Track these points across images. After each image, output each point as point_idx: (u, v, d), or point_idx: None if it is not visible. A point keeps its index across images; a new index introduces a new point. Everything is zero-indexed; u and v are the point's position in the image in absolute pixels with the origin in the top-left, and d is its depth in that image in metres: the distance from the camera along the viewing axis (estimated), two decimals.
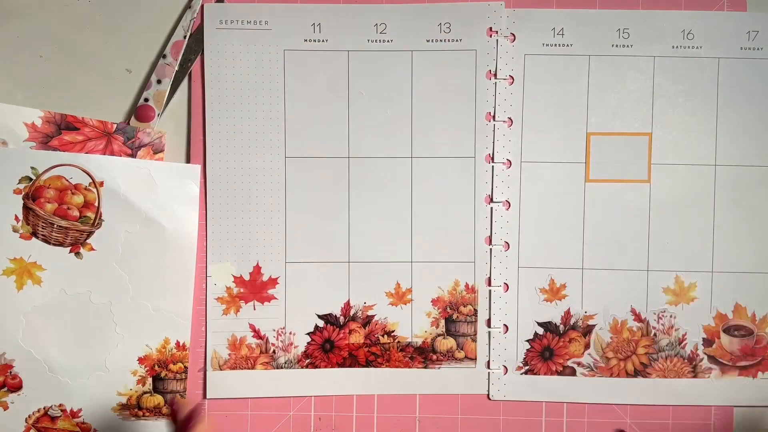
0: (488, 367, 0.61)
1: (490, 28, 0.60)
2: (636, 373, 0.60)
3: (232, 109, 0.60)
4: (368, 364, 0.61)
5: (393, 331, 0.61)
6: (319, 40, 0.60)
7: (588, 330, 0.61)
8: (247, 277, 0.61)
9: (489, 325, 0.61)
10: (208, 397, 0.61)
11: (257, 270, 0.61)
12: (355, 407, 0.61)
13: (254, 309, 0.61)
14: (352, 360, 0.61)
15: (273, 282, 0.61)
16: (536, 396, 0.61)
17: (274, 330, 0.61)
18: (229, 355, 0.61)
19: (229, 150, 0.60)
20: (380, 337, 0.61)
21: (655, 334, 0.60)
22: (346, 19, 0.60)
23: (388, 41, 0.60)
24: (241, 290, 0.61)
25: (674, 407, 0.60)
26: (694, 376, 0.60)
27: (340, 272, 0.61)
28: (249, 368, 0.61)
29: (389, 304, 0.61)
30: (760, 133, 0.60)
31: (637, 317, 0.60)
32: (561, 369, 0.61)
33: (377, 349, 0.61)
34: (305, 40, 0.60)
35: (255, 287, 0.61)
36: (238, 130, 0.60)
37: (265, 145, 0.60)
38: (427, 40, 0.60)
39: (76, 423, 0.60)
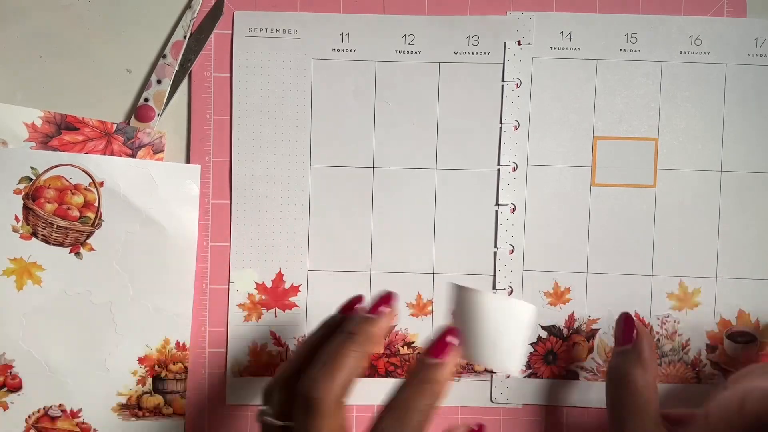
0: (491, 370, 0.61)
1: (519, 42, 0.60)
2: None
3: (258, 117, 0.60)
4: (388, 374, 0.61)
5: (413, 343, 0.61)
6: (347, 50, 0.60)
7: (592, 334, 0.61)
8: (269, 285, 0.61)
9: None
10: (228, 402, 0.61)
11: (279, 277, 0.61)
12: (354, 408, 0.61)
13: (276, 316, 0.61)
14: (371, 370, 0.61)
15: (295, 290, 0.61)
16: (539, 399, 0.61)
17: (295, 338, 0.61)
18: (249, 361, 0.61)
19: (254, 157, 0.60)
20: (400, 348, 0.61)
21: (658, 340, 0.60)
22: (375, 29, 0.60)
23: (416, 52, 0.60)
24: (263, 297, 0.61)
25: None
26: (698, 382, 0.60)
27: (361, 281, 0.61)
28: (269, 375, 0.61)
29: (410, 315, 0.61)
30: (766, 139, 0.60)
31: (641, 322, 0.60)
32: (564, 373, 0.61)
33: (397, 359, 0.61)
34: (333, 50, 0.60)
35: (277, 294, 0.61)
36: (264, 137, 0.60)
37: (290, 153, 0.60)
38: (455, 53, 0.60)
39: (76, 423, 0.59)
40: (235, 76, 0.60)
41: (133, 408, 0.60)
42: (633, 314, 0.60)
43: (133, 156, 0.59)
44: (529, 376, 0.61)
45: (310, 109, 0.60)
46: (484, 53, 0.60)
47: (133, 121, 0.59)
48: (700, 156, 0.60)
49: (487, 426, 0.51)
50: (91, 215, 0.59)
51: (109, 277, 0.59)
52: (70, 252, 0.59)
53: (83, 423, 0.59)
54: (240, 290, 0.61)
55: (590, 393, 0.61)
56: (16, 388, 0.59)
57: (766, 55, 0.59)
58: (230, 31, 0.60)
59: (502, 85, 0.60)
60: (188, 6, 0.60)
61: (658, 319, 0.60)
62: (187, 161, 0.60)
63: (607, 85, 0.60)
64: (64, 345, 0.59)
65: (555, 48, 0.60)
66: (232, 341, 0.61)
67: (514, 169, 0.60)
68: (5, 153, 0.58)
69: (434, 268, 0.61)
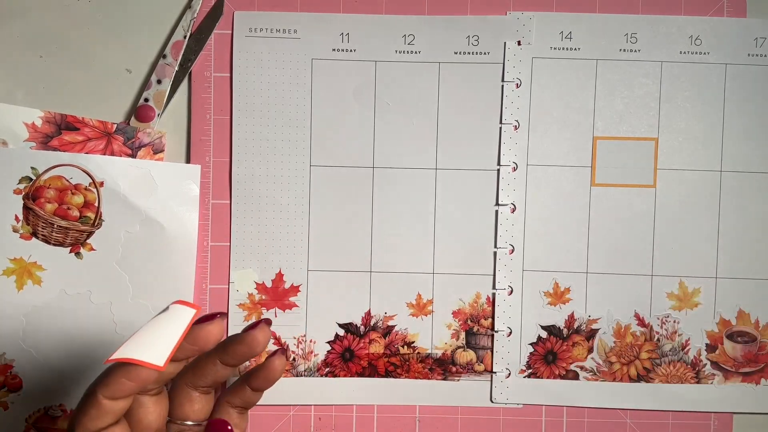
0: (491, 370, 0.61)
1: (519, 42, 0.60)
2: (639, 378, 0.60)
3: (258, 117, 0.60)
4: (387, 374, 0.61)
5: (413, 342, 0.61)
6: (347, 50, 0.60)
7: (591, 334, 0.61)
8: (269, 284, 0.61)
9: (493, 329, 0.61)
10: None
11: (279, 277, 0.61)
12: (355, 407, 0.61)
13: (275, 316, 0.61)
14: (371, 370, 0.61)
15: (295, 290, 0.61)
16: (539, 399, 0.61)
17: (295, 338, 0.61)
18: (250, 361, 0.60)
19: (254, 157, 0.60)
20: (400, 348, 0.61)
21: (658, 339, 0.60)
22: (375, 29, 0.60)
23: (416, 52, 0.60)
24: (263, 297, 0.61)
25: (674, 411, 0.61)
26: (698, 382, 0.60)
27: (361, 281, 0.61)
28: None
29: (410, 315, 0.61)
30: (766, 139, 0.60)
31: (641, 322, 0.60)
32: (564, 373, 0.61)
33: (397, 359, 0.61)
34: (333, 50, 0.60)
35: (277, 294, 0.61)
36: (264, 137, 0.60)
37: (290, 153, 0.60)
38: (455, 53, 0.60)
39: None
40: (235, 76, 0.60)
41: None
42: (633, 314, 0.60)
43: (133, 156, 0.59)
44: (529, 376, 0.61)
45: (310, 109, 0.60)
46: (484, 53, 0.60)
47: (133, 121, 0.59)
48: (700, 156, 0.60)
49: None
50: (91, 215, 0.58)
51: (109, 277, 0.59)
52: (70, 252, 0.59)
53: None
54: (240, 290, 0.61)
55: (590, 393, 0.61)
56: (16, 388, 0.59)
57: (766, 55, 0.60)
58: (230, 31, 0.60)
59: (502, 85, 0.60)
60: (188, 6, 0.59)
61: (658, 319, 0.60)
62: (187, 161, 0.60)
63: (607, 85, 0.60)
64: (64, 345, 0.59)
65: (555, 48, 0.60)
66: None
67: (514, 169, 0.60)
68: (5, 153, 0.57)
69: (434, 268, 0.61)
